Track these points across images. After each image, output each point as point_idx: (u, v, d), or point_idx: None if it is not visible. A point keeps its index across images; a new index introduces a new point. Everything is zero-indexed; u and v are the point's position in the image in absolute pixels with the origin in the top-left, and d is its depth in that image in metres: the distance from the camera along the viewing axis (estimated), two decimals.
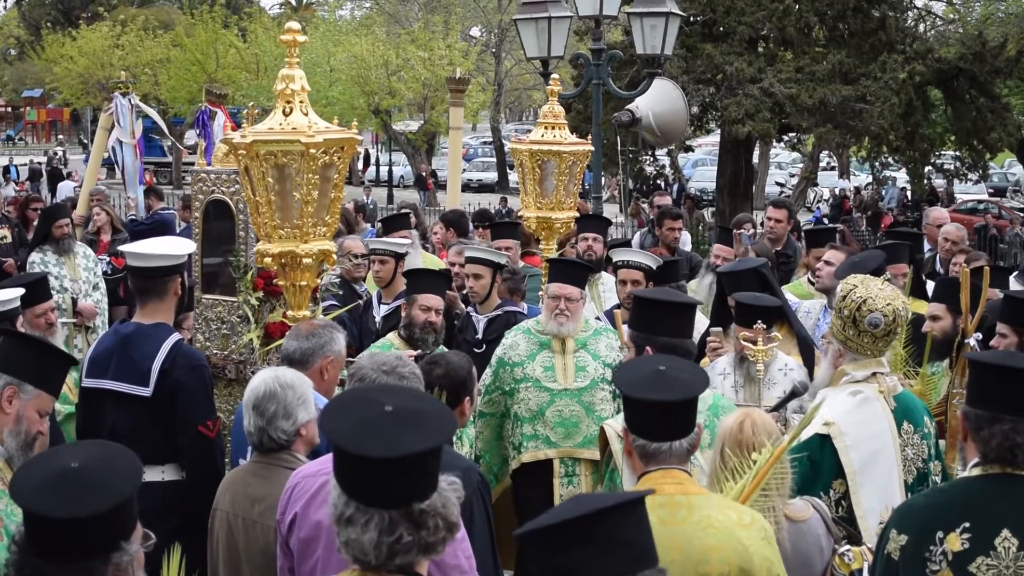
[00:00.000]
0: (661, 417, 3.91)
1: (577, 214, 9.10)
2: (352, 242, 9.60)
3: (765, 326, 6.31)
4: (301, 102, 5.75)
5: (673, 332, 5.51)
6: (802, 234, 12.21)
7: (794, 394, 5.93)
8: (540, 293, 8.43)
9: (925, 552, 3.74)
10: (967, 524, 3.71)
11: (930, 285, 8.12)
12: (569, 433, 7.10)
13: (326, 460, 4.44)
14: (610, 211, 24.76)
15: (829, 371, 5.42)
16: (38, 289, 7.38)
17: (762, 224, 11.65)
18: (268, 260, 5.86)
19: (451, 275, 8.41)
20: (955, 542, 3.71)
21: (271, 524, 4.58)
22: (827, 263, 7.99)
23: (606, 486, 5.48)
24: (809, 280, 8.90)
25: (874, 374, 5.30)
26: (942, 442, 6.28)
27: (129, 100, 14.94)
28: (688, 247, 13.40)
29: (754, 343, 6.22)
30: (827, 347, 5.51)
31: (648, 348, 5.46)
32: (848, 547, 4.53)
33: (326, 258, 5.97)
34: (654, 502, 3.84)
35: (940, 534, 3.73)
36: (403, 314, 7.35)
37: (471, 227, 11.77)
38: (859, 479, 5.11)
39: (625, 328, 6.31)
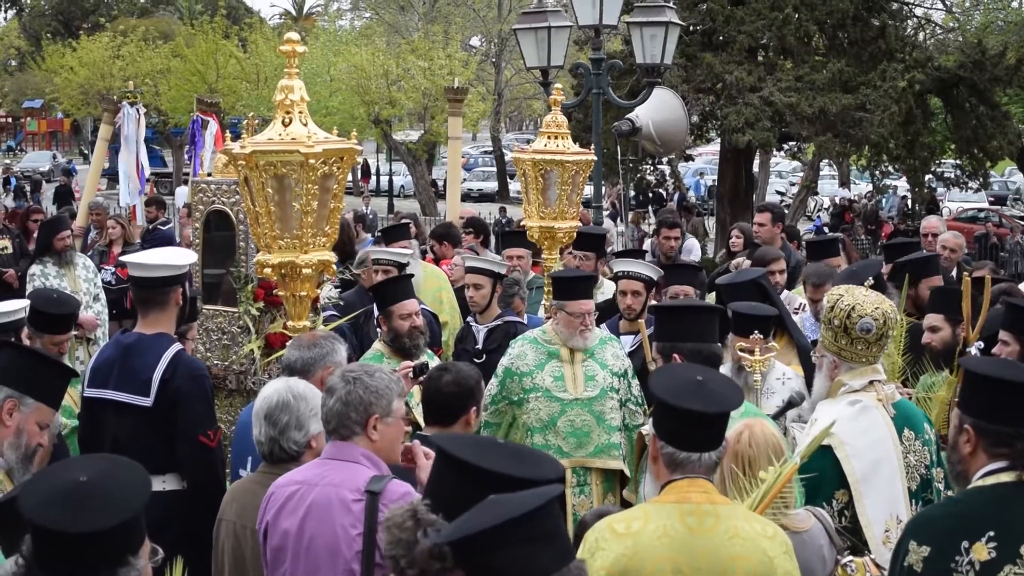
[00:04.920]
0: (695, 428, 3.90)
1: (580, 224, 9.08)
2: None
3: (762, 336, 6.33)
4: (300, 112, 5.74)
5: (698, 337, 5.49)
6: (803, 244, 12.21)
7: (791, 404, 5.94)
8: (544, 303, 8.43)
9: (951, 563, 3.71)
10: (992, 533, 3.68)
11: None
12: (581, 443, 7.07)
13: (302, 470, 4.46)
14: (611, 221, 24.78)
15: (826, 384, 5.40)
16: (70, 320, 7.35)
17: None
18: (268, 271, 5.86)
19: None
20: (982, 551, 3.67)
21: None
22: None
23: (641, 490, 5.49)
24: None
25: (871, 382, 5.30)
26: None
27: (137, 110, 15.03)
28: (696, 255, 13.36)
29: (751, 353, 6.24)
30: (820, 360, 5.49)
31: (676, 356, 5.44)
32: (851, 558, 4.53)
33: (326, 268, 5.96)
34: (683, 510, 3.85)
35: (965, 544, 3.70)
36: (383, 328, 7.31)
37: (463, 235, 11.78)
38: (862, 488, 5.09)
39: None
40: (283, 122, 5.72)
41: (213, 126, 10.81)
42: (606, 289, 9.41)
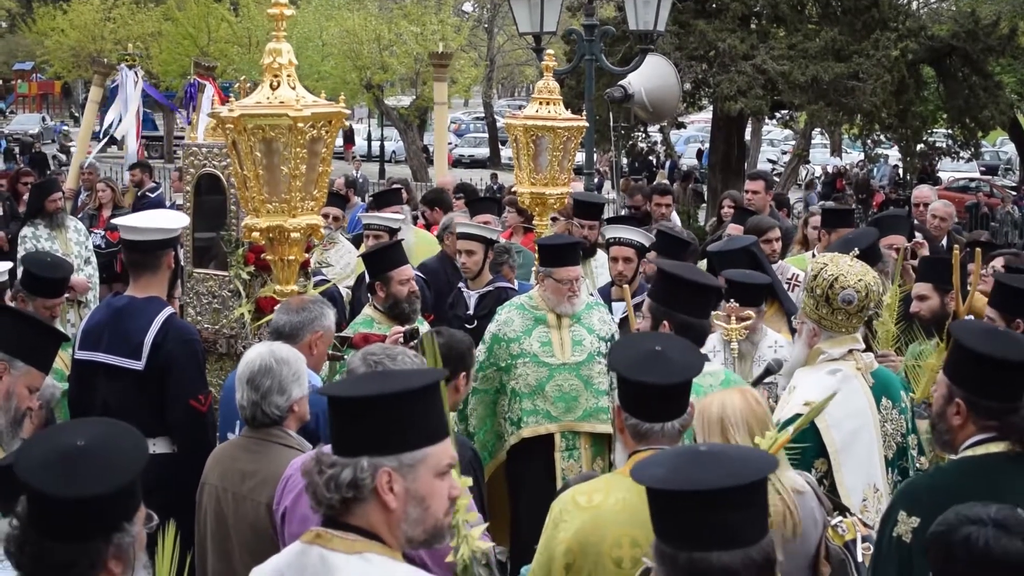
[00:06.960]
0: (656, 398, 3.90)
1: (571, 190, 9.06)
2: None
3: (738, 304, 6.35)
4: (288, 76, 5.70)
5: (692, 311, 5.48)
6: (790, 212, 12.23)
7: (768, 371, 5.95)
8: (533, 269, 8.43)
9: None
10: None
11: None
12: (569, 407, 7.08)
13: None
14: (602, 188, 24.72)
15: (804, 351, 5.41)
16: (62, 284, 7.36)
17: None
18: (256, 235, 5.84)
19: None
20: None
21: (262, 500, 4.57)
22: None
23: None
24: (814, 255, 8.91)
25: (850, 351, 5.31)
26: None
27: (135, 73, 14.95)
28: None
29: (727, 321, 6.28)
30: (801, 327, 5.50)
31: (665, 323, 5.44)
32: (840, 519, 4.54)
33: (314, 232, 5.94)
34: None
35: None
36: (380, 294, 7.25)
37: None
38: (841, 458, 5.10)
39: (642, 298, 6.31)
40: (271, 85, 5.68)
41: (210, 90, 10.75)
42: (599, 255, 9.39)
